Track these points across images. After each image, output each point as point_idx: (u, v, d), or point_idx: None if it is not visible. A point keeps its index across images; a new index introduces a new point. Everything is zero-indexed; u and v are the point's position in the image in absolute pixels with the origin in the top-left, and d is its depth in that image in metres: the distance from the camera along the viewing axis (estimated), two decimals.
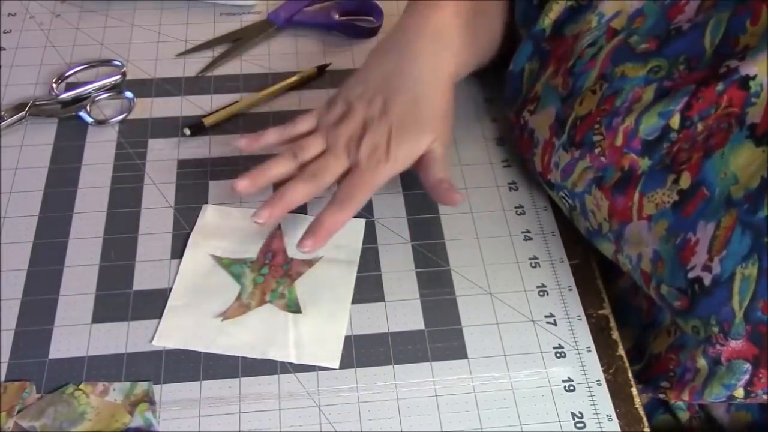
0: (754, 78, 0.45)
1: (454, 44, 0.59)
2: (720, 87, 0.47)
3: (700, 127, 0.48)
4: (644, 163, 0.50)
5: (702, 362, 0.50)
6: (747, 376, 0.47)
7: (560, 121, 0.56)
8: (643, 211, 0.50)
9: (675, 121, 0.49)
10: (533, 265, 0.59)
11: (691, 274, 0.47)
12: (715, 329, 0.46)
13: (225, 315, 0.55)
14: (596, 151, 0.53)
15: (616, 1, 0.54)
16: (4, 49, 0.74)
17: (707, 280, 0.46)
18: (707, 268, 0.46)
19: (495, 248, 0.60)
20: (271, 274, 0.57)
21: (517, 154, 0.66)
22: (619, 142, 0.51)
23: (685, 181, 0.48)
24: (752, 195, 0.44)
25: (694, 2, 0.50)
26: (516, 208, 0.63)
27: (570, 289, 0.58)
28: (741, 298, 0.44)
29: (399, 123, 0.56)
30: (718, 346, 0.47)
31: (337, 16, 0.77)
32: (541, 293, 0.57)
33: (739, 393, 0.48)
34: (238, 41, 0.75)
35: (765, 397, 0.48)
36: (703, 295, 0.46)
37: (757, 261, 0.43)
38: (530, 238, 0.61)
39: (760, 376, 0.47)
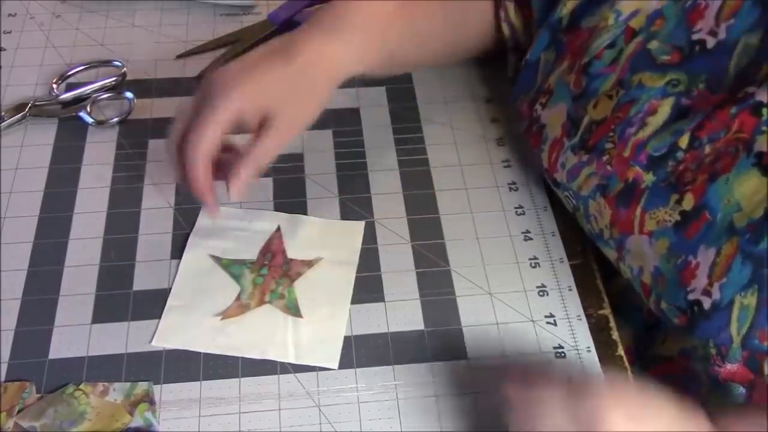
0: (767, 105, 0.45)
1: (357, 39, 0.55)
2: (733, 110, 0.46)
3: (707, 149, 0.47)
4: (648, 178, 0.50)
5: (704, 378, 0.50)
6: (741, 399, 0.47)
7: (573, 121, 0.55)
8: (645, 226, 0.50)
9: (684, 140, 0.49)
10: (533, 265, 0.59)
11: (691, 296, 0.47)
12: (713, 351, 0.46)
13: (224, 315, 0.55)
14: (604, 158, 0.53)
15: (634, 0, 0.53)
16: (5, 50, 0.74)
17: (706, 305, 0.46)
18: (707, 293, 0.46)
19: (495, 248, 0.60)
20: (270, 275, 0.57)
21: (517, 154, 0.66)
22: (627, 153, 0.51)
23: (688, 202, 0.48)
24: (755, 225, 0.44)
25: (714, 5, 0.50)
26: (516, 208, 0.63)
27: (570, 289, 0.57)
28: (739, 326, 0.44)
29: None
30: (716, 367, 0.47)
31: None
32: (541, 293, 0.57)
33: None
34: (238, 42, 0.75)
35: None
36: (702, 318, 0.46)
37: (757, 291, 0.44)
38: (530, 238, 0.61)
39: (755, 398, 0.47)
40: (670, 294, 0.48)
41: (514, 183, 0.64)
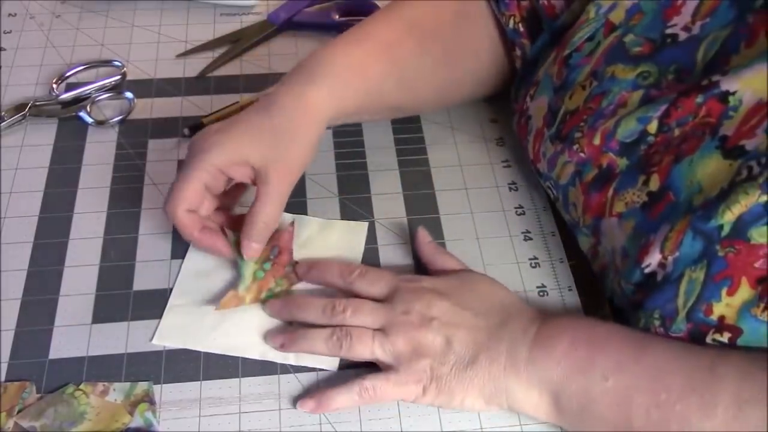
0: (734, 93, 0.46)
1: (335, 81, 0.56)
2: (699, 99, 0.47)
3: (677, 132, 0.48)
4: (622, 163, 0.51)
5: None
6: None
7: (553, 112, 0.56)
8: (614, 208, 0.51)
9: (652, 127, 0.50)
10: (533, 265, 0.59)
11: (647, 270, 0.48)
12: (657, 322, 0.47)
13: (220, 305, 0.54)
14: (574, 147, 0.53)
15: None
16: (5, 50, 0.74)
17: (659, 277, 0.47)
18: (662, 266, 0.47)
19: (495, 248, 0.60)
20: (272, 272, 0.56)
21: (517, 154, 0.66)
22: (597, 141, 0.52)
23: (654, 183, 0.49)
24: (708, 203, 0.45)
25: (691, 3, 0.50)
26: (516, 208, 0.63)
27: (570, 290, 0.57)
28: (686, 299, 0.45)
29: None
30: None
31: (337, 17, 0.77)
32: (541, 293, 0.57)
33: None
34: (238, 42, 0.75)
35: None
36: (654, 289, 0.47)
37: (705, 267, 0.45)
38: (530, 238, 0.61)
39: None
40: (629, 272, 0.49)
41: (514, 183, 0.64)
